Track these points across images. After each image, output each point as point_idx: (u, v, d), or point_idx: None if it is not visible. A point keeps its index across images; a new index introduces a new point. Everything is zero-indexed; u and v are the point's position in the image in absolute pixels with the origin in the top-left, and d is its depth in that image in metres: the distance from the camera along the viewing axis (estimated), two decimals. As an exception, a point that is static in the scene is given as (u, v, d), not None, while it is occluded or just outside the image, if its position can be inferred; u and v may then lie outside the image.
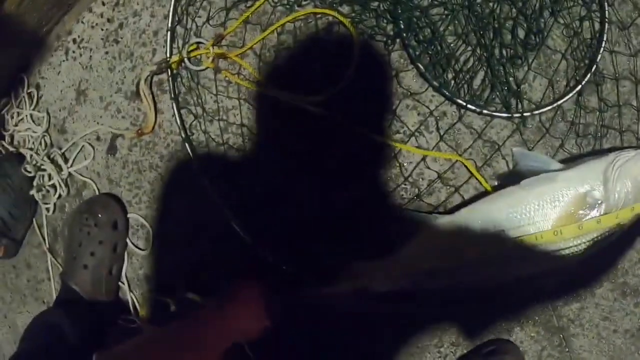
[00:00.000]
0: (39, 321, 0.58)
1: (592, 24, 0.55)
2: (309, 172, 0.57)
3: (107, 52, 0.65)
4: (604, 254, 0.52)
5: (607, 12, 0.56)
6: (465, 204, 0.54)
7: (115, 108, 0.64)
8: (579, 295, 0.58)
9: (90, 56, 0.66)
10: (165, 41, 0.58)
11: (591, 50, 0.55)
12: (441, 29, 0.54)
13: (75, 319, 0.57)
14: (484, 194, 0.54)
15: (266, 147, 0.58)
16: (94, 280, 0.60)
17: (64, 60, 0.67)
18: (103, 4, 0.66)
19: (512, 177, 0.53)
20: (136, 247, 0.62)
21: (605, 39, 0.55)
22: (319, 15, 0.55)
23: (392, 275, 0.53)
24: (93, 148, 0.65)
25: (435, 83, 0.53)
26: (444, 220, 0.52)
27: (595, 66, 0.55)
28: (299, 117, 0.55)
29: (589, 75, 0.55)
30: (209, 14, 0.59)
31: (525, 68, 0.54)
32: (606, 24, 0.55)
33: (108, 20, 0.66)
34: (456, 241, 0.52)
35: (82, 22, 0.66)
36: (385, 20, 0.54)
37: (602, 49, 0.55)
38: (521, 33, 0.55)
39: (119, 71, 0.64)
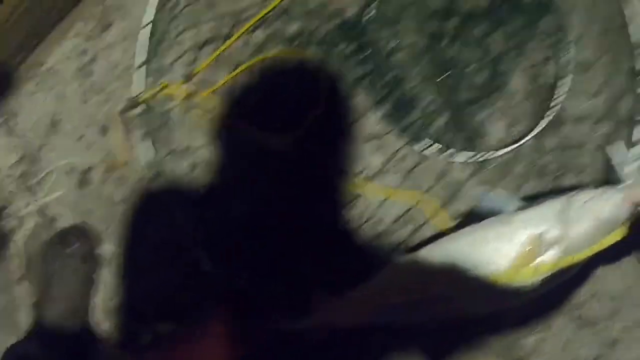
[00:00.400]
0: (11, 353, 0.59)
1: (552, 67, 0.57)
2: (276, 207, 0.59)
3: (80, 85, 0.67)
4: (562, 288, 0.55)
5: (566, 56, 0.58)
6: (427, 242, 0.56)
7: (89, 140, 0.66)
8: (539, 327, 0.61)
9: (64, 88, 0.68)
10: (138, 77, 0.61)
11: (552, 92, 0.58)
12: (405, 72, 0.56)
13: (49, 349, 0.59)
14: (445, 233, 0.56)
15: (234, 182, 0.60)
16: (67, 310, 0.63)
17: (37, 91, 0.69)
18: (77, 35, 0.68)
19: (473, 217, 0.55)
20: (108, 276, 0.64)
21: (564, 81, 0.57)
22: (288, 57, 0.59)
23: (358, 309, 0.57)
24: (66, 179, 0.67)
25: (397, 126, 0.56)
26: (406, 258, 0.55)
27: (554, 108, 0.58)
28: (266, 154, 0.57)
29: (547, 117, 0.58)
30: (179, 52, 0.61)
31: (487, 110, 0.57)
32: (564, 68, 0.57)
33: (82, 52, 0.68)
34: (418, 278, 0.54)
35: (56, 54, 0.68)
36: (351, 64, 0.57)
37: (561, 91, 0.57)
38: (483, 76, 0.57)
39: (92, 104, 0.66)
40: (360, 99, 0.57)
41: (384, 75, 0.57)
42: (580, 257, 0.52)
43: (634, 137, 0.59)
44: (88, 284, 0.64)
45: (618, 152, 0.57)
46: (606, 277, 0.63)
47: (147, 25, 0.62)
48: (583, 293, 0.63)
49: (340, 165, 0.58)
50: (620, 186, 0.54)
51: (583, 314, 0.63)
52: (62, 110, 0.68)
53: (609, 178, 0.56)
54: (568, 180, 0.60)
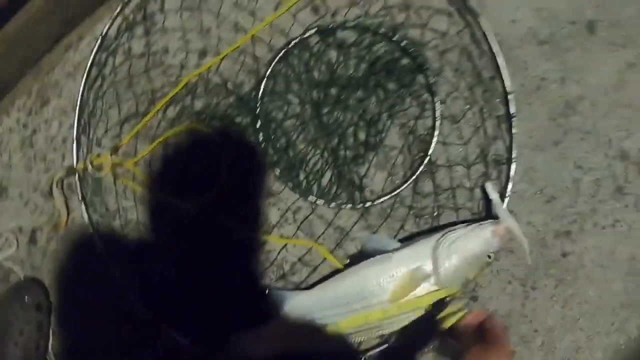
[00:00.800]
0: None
1: (425, 121, 0.69)
2: (198, 258, 0.70)
3: (24, 155, 0.80)
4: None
5: (438, 110, 0.69)
6: (320, 281, 0.67)
7: (34, 204, 0.79)
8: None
9: (10, 156, 0.81)
10: (73, 149, 0.72)
11: (425, 143, 0.69)
12: (294, 137, 0.68)
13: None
14: (337, 272, 0.67)
15: (160, 239, 0.72)
16: (24, 356, 0.75)
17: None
18: (19, 110, 0.81)
19: (360, 257, 0.66)
20: (58, 324, 0.75)
21: (437, 133, 0.69)
22: (196, 130, 0.69)
23: (270, 342, 0.67)
24: (16, 239, 0.79)
25: (290, 184, 0.68)
26: (303, 295, 0.65)
27: (428, 157, 0.69)
28: (181, 215, 0.67)
29: (423, 166, 0.69)
30: (106, 126, 0.74)
31: (367, 165, 0.68)
32: (437, 121, 0.69)
33: (24, 126, 0.81)
34: (313, 312, 0.65)
35: (2, 127, 0.81)
36: (248, 133, 0.68)
37: (434, 142, 0.69)
38: (362, 135, 0.69)
39: (35, 172, 0.79)
40: (259, 163, 0.68)
41: (277, 141, 0.68)
42: (453, 290, 0.63)
43: (504, 177, 0.69)
44: (41, 331, 0.77)
45: (492, 191, 0.69)
46: (497, 299, 0.74)
47: (78, 103, 0.74)
48: None
49: (247, 220, 0.69)
50: (488, 222, 0.64)
51: None
52: (10, 177, 0.81)
53: (490, 214, 0.68)
54: (445, 219, 0.71)
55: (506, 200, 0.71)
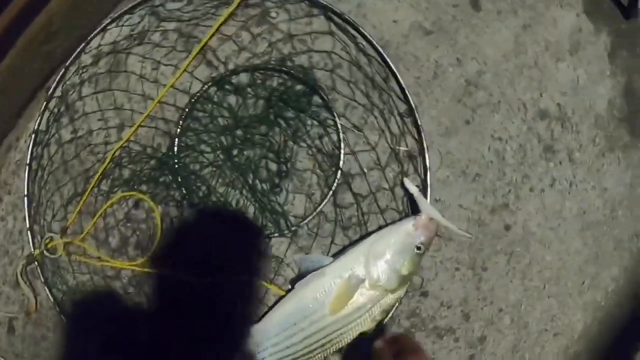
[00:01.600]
0: None
1: (331, 137, 0.76)
2: (155, 313, 0.81)
3: None
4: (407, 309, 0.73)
5: (340, 124, 0.77)
6: (270, 308, 0.75)
7: (6, 296, 0.89)
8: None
9: (-22, 255, 0.94)
10: (28, 238, 0.84)
11: (334, 158, 0.77)
12: (213, 183, 0.77)
13: None
14: (281, 298, 0.75)
15: (119, 305, 0.82)
16: None
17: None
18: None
19: (299, 279, 0.73)
20: None
21: (343, 145, 0.77)
22: (128, 197, 0.80)
23: None
24: (-3, 330, 0.91)
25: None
26: (253, 329, 0.72)
27: (340, 170, 0.77)
28: (136, 279, 0.79)
29: (337, 180, 0.77)
30: (53, 212, 0.84)
31: (285, 192, 0.77)
32: (341, 134, 0.77)
33: None
34: (266, 341, 0.71)
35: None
36: (173, 190, 0.78)
37: (342, 154, 0.77)
38: (274, 166, 0.77)
39: (1, 266, 0.90)
40: (190, 214, 0.78)
41: (199, 190, 0.78)
42: (392, 287, 0.69)
43: (421, 169, 0.77)
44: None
45: (410, 186, 0.76)
46: (449, 289, 0.79)
47: (25, 197, 0.86)
48: (429, 307, 0.80)
49: (189, 267, 0.77)
50: (410, 217, 0.72)
51: (438, 324, 0.79)
52: None
53: (417, 208, 0.74)
54: (373, 225, 0.78)
55: (429, 190, 0.78)
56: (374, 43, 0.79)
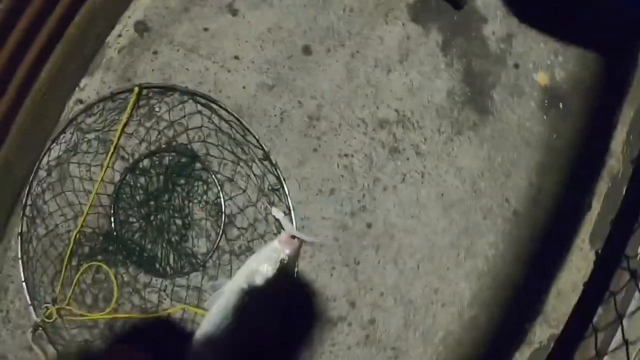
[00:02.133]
0: None
1: (213, 190, 1.07)
2: None
3: (6, 329, 1.27)
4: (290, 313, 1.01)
5: (216, 179, 1.08)
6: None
7: (21, 358, 1.24)
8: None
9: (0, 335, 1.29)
10: (32, 312, 1.19)
11: (218, 205, 1.09)
12: (143, 243, 1.10)
13: None
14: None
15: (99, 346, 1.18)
16: None
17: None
18: None
19: (215, 299, 1.02)
20: None
21: (223, 194, 1.08)
22: (91, 266, 1.13)
23: None
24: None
25: (149, 272, 1.10)
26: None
27: (224, 214, 1.08)
28: (109, 324, 1.11)
29: (224, 221, 1.08)
30: (46, 287, 1.21)
31: (190, 238, 1.09)
32: (219, 186, 1.08)
33: None
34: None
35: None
36: (118, 254, 1.13)
37: (222, 201, 1.08)
38: (179, 221, 1.09)
39: (18, 336, 1.23)
40: (130, 271, 1.10)
41: (134, 250, 1.11)
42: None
43: (284, 197, 1.05)
44: None
45: (276, 212, 1.04)
46: (330, 285, 1.02)
47: (23, 282, 1.22)
48: (317, 304, 1.04)
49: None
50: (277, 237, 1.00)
51: (329, 315, 1.01)
52: (4, 348, 1.23)
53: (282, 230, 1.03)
54: (257, 247, 1.06)
55: (293, 212, 1.05)
56: (229, 110, 1.10)
